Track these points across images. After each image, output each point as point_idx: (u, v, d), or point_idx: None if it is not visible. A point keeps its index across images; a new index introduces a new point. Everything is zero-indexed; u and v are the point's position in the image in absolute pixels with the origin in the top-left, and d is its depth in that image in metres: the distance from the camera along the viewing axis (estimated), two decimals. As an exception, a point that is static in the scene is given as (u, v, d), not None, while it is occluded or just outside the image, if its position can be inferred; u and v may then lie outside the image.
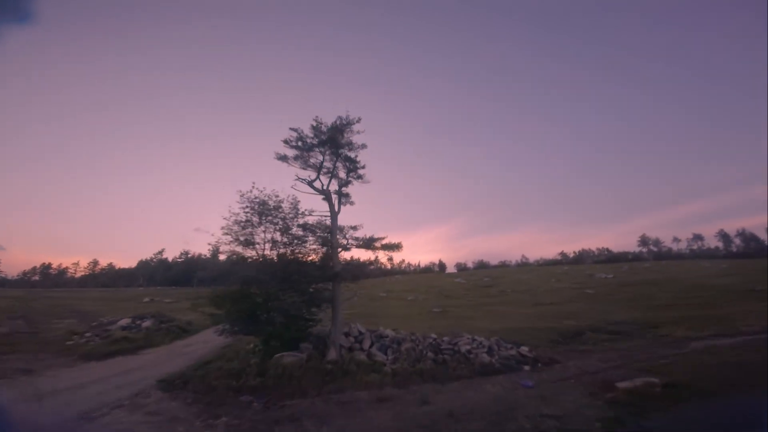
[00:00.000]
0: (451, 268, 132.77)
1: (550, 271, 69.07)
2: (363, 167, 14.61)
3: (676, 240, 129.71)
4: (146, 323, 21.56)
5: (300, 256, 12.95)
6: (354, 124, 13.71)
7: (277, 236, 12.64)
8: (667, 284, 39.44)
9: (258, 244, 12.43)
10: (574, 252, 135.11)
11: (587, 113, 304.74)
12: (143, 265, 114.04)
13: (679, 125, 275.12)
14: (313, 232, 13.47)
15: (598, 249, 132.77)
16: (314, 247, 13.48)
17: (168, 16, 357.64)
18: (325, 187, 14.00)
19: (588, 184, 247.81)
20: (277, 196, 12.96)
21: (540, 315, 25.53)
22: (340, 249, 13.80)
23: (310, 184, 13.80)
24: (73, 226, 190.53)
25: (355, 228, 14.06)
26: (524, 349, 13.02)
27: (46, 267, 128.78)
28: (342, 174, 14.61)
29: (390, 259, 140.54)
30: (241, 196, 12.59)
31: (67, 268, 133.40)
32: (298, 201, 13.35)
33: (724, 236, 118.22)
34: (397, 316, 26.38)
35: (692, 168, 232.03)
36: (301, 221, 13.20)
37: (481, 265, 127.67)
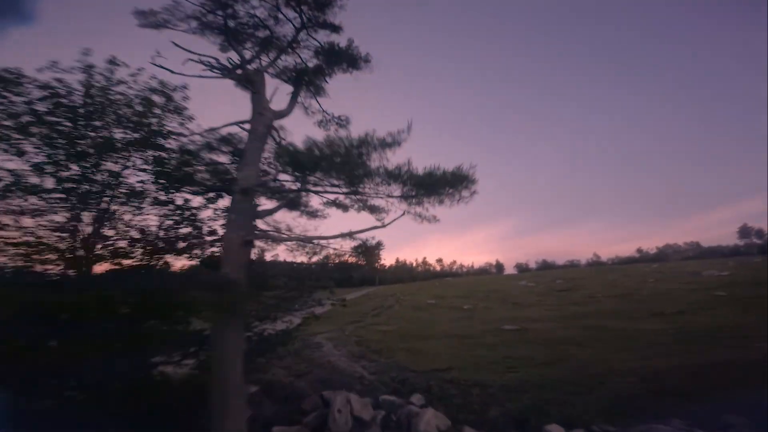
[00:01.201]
0: (509, 269, 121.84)
1: (637, 270, 56.39)
2: (365, 57, 6.69)
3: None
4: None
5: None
6: None
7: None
8: None
9: None
10: (657, 247, 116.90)
11: (659, 99, 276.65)
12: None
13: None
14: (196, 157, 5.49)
15: (685, 243, 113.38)
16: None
17: None
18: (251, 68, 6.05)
19: (658, 174, 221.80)
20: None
21: (684, 334, 15.93)
22: (261, 203, 5.51)
23: (230, 72, 5.81)
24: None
25: (341, 120, 6.24)
26: None
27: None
28: (311, 56, 6.59)
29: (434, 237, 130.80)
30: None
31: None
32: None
33: None
34: (451, 336, 18.25)
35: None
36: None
37: (546, 266, 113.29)
